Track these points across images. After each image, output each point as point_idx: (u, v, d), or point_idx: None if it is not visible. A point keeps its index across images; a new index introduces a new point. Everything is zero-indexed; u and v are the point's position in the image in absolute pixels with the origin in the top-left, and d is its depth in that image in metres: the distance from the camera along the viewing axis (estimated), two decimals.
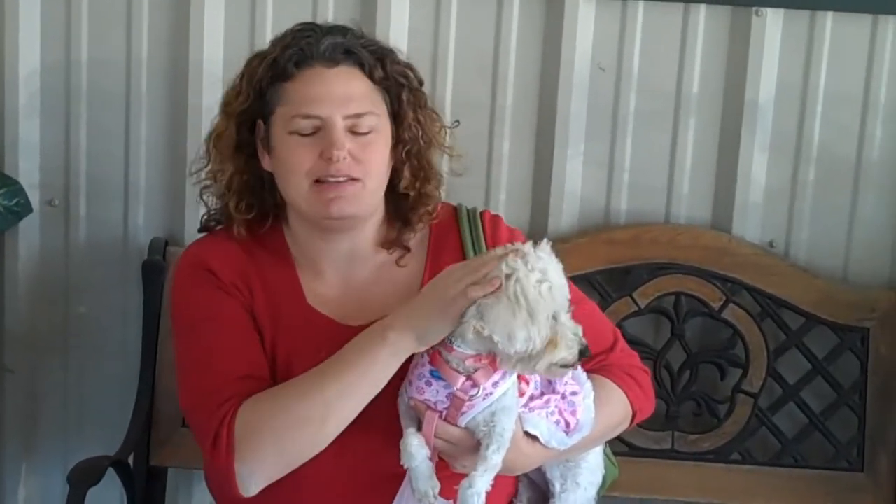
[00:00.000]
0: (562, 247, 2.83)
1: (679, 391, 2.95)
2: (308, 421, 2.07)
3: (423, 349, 2.04)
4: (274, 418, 2.07)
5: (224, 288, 2.20)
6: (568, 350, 1.96)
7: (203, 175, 2.32)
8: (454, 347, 2.00)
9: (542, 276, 1.95)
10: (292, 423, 2.06)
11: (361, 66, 2.20)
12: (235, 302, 2.20)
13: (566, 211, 2.98)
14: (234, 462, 2.07)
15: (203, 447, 2.12)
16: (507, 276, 1.94)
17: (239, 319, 2.19)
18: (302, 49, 2.18)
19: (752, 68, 2.91)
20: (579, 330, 1.99)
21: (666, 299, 2.94)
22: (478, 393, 2.00)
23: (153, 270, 2.86)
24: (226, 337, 2.17)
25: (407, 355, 2.06)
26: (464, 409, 2.01)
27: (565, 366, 1.97)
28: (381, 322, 2.08)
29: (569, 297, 1.99)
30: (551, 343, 1.94)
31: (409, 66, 2.28)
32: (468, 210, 2.36)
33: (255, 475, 2.08)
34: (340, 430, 2.08)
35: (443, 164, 2.37)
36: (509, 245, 2.06)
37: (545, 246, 2.02)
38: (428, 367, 2.03)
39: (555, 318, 1.95)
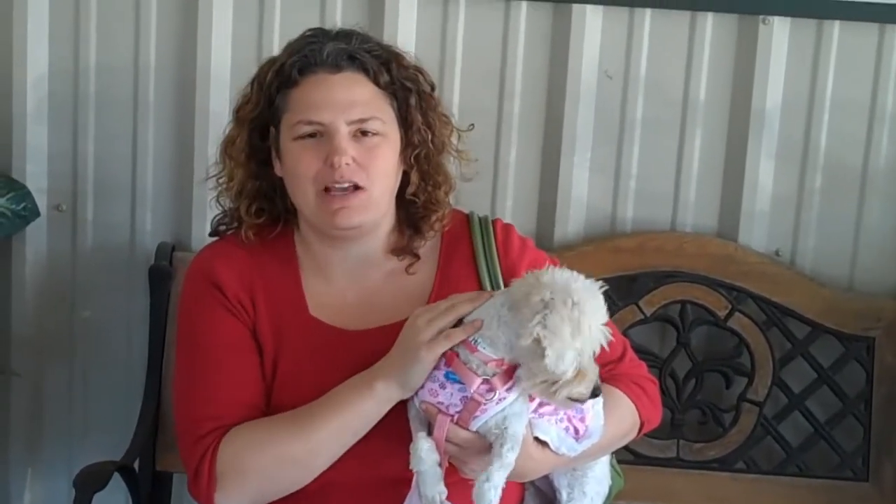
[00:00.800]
0: (567, 254, 2.87)
1: (684, 399, 2.95)
2: (293, 462, 2.10)
3: (409, 395, 2.06)
4: (259, 456, 2.10)
5: (229, 307, 2.20)
6: (587, 386, 1.98)
7: (216, 181, 2.32)
8: (478, 348, 2.00)
9: (604, 314, 1.99)
10: (277, 463, 2.10)
11: (366, 71, 2.19)
12: (238, 324, 2.20)
13: (572, 218, 2.99)
14: (214, 494, 2.11)
15: (187, 475, 2.16)
16: (575, 303, 1.95)
17: (239, 344, 2.19)
18: (306, 55, 2.18)
19: (758, 76, 2.92)
20: (598, 371, 2.01)
21: (671, 307, 2.94)
22: (493, 397, 2.00)
23: (160, 275, 2.86)
24: (222, 364, 2.18)
25: (394, 403, 2.08)
26: (477, 412, 2.00)
27: (577, 399, 1.99)
28: (369, 371, 2.09)
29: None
30: (580, 375, 1.96)
31: (418, 69, 2.28)
32: (480, 218, 2.35)
33: None
34: (325, 468, 2.11)
35: (453, 168, 2.36)
36: (480, 291, 2.15)
37: (597, 288, 2.02)
38: (443, 370, 2.03)
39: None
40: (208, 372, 2.18)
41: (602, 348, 2.21)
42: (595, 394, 2.00)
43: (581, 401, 2.00)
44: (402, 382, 2.05)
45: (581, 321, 1.94)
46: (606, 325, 2.00)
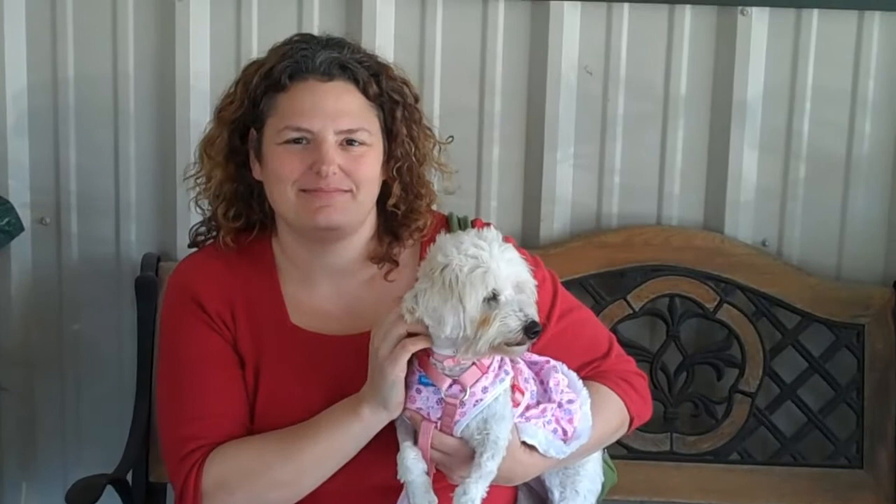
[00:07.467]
0: (554, 251, 2.87)
1: (676, 393, 2.95)
2: (282, 484, 2.11)
3: (396, 414, 2.05)
4: (245, 480, 2.11)
5: (209, 323, 2.20)
6: (502, 328, 1.93)
7: (194, 181, 2.31)
8: (434, 350, 2.00)
9: (477, 262, 1.94)
10: (265, 485, 2.11)
11: (356, 81, 2.19)
12: (219, 340, 2.20)
13: (558, 216, 2.98)
14: None
15: (174, 492, 2.17)
16: (444, 266, 1.95)
17: (220, 360, 2.19)
18: (297, 61, 2.17)
19: (739, 67, 2.91)
20: (531, 309, 1.96)
21: (660, 301, 2.94)
22: (466, 397, 1.99)
23: (146, 286, 2.85)
24: (204, 382, 2.17)
25: (383, 425, 2.07)
26: (457, 416, 2.00)
27: (512, 344, 1.95)
28: (356, 396, 2.08)
29: (525, 278, 1.98)
30: (483, 323, 1.93)
31: (405, 81, 2.27)
32: (459, 219, 2.36)
33: None
34: (313, 488, 2.11)
35: (435, 180, 2.35)
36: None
37: (489, 232, 2.01)
38: (417, 374, 2.03)
39: (494, 299, 1.95)
40: (191, 390, 2.17)
41: (593, 346, 2.23)
42: (531, 330, 1.94)
43: (520, 343, 1.95)
44: (384, 404, 2.04)
45: (452, 279, 1.93)
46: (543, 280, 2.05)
